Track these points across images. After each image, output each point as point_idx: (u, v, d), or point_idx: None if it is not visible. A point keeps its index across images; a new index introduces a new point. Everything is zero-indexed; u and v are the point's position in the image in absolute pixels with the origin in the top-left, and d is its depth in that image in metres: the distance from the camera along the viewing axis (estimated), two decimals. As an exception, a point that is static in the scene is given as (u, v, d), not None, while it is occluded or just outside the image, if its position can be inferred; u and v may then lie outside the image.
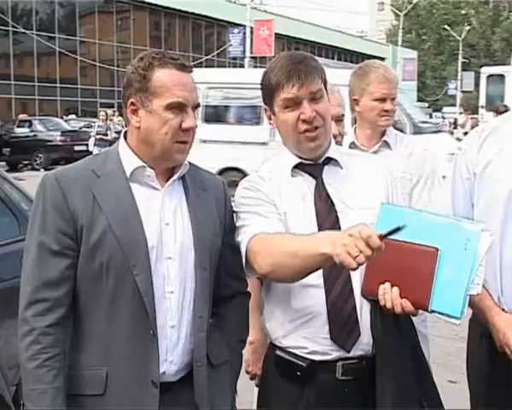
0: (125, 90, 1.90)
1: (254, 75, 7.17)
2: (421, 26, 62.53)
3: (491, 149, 2.23)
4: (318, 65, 1.99)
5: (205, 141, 11.26)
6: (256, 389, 2.68)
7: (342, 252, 1.63)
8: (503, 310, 2.11)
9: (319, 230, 1.91)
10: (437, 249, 1.81)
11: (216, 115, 12.92)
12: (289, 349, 1.97)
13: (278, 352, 2.01)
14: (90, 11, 38.91)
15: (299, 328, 1.94)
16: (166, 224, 1.89)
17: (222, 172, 11.36)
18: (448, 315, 1.81)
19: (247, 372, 2.63)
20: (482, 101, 23.74)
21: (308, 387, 1.94)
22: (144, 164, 1.88)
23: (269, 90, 2.00)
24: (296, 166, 2.02)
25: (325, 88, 2.00)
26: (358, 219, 1.84)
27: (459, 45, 55.78)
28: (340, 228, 1.91)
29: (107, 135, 17.11)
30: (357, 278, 1.91)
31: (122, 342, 1.82)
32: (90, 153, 14.92)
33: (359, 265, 1.63)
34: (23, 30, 34.03)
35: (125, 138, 1.95)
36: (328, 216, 1.95)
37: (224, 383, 1.99)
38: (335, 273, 1.90)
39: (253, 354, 2.60)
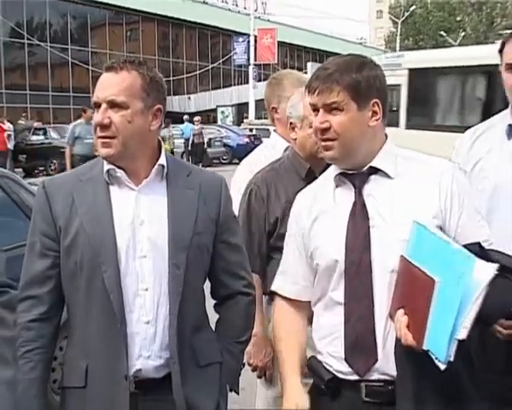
0: None
1: None
2: (418, 33, 63.41)
3: (481, 147, 2.26)
4: (345, 79, 1.80)
5: None
6: (259, 381, 2.79)
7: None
8: None
9: (346, 243, 1.83)
10: (434, 281, 1.54)
11: None
12: (321, 361, 1.94)
13: (312, 361, 1.97)
14: (101, 23, 39.71)
15: (327, 346, 1.91)
16: (141, 223, 1.89)
17: None
18: (436, 357, 1.57)
19: (249, 364, 2.67)
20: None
21: (336, 403, 1.90)
22: (113, 166, 1.89)
23: None
24: (342, 174, 1.90)
25: (358, 101, 1.81)
26: (392, 235, 1.77)
27: (455, 50, 56.52)
28: (370, 243, 1.81)
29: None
30: (382, 300, 1.79)
31: (98, 337, 1.87)
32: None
33: None
34: (37, 42, 34.74)
35: None
36: (358, 230, 1.82)
37: (210, 384, 1.97)
38: (360, 292, 1.81)
39: (254, 347, 2.60)
